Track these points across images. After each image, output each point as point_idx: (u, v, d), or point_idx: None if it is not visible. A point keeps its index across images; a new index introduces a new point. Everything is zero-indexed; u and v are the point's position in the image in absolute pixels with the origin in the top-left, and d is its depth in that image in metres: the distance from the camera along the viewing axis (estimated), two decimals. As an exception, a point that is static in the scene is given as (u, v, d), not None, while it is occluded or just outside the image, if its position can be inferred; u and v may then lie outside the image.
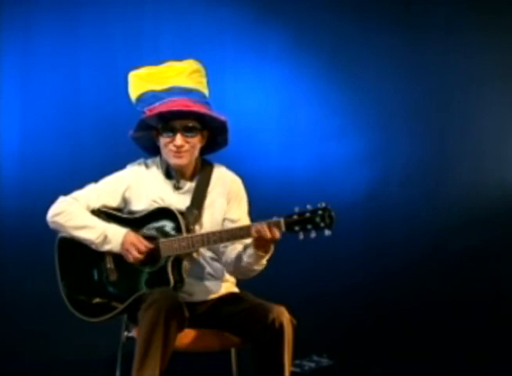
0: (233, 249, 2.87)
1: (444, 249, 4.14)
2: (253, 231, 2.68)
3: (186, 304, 2.76)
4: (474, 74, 4.16)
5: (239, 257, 2.83)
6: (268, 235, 2.66)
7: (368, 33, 4.19)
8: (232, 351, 3.03)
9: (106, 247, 2.84)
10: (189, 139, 2.86)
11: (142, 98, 2.95)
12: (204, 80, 2.99)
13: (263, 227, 2.66)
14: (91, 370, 3.87)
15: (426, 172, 4.20)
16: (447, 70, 4.17)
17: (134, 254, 2.80)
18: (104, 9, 4.16)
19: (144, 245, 2.80)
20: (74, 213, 2.87)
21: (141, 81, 2.98)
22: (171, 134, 2.85)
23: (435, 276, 4.11)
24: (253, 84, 4.23)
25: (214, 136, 2.97)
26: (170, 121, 2.85)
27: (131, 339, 2.92)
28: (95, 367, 3.83)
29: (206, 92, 2.98)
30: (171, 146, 2.86)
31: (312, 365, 3.67)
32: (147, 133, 2.93)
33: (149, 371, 2.61)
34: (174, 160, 2.88)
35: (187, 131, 2.85)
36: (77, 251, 2.93)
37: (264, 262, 2.80)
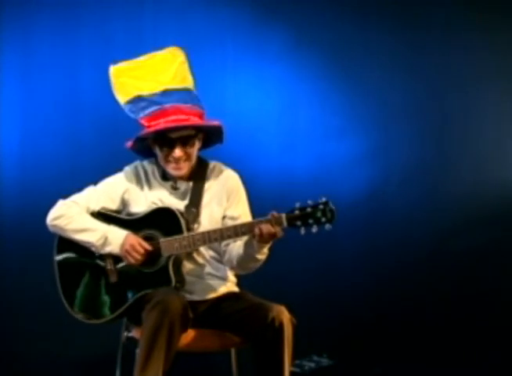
0: (235, 246, 2.87)
1: (444, 249, 4.14)
2: (256, 229, 2.68)
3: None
4: (474, 74, 4.15)
5: (241, 250, 2.83)
6: (272, 232, 2.66)
7: (368, 33, 4.19)
8: (232, 351, 3.04)
9: (107, 249, 2.84)
10: (187, 150, 2.87)
11: (132, 102, 2.94)
12: (187, 69, 2.97)
13: (267, 226, 2.67)
14: (91, 370, 3.87)
15: (426, 172, 4.19)
16: (447, 69, 4.17)
17: (133, 256, 2.80)
18: (104, 8, 4.15)
19: (143, 247, 2.80)
20: (74, 216, 2.88)
21: (126, 79, 2.96)
22: (169, 146, 2.85)
23: (435, 275, 4.10)
24: (253, 84, 4.23)
25: (209, 136, 2.97)
26: (166, 133, 2.84)
27: (131, 339, 2.93)
28: (95, 367, 3.83)
29: (191, 83, 2.97)
30: (169, 158, 2.87)
31: (312, 365, 3.67)
32: (143, 143, 2.94)
33: (152, 372, 2.61)
34: (174, 172, 2.90)
35: (185, 141, 2.86)
36: (75, 255, 2.93)
37: (265, 250, 2.80)
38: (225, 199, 2.95)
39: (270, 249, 2.81)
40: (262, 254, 2.81)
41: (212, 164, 3.03)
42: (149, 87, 2.94)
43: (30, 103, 4.19)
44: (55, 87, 4.17)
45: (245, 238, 2.81)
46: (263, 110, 4.23)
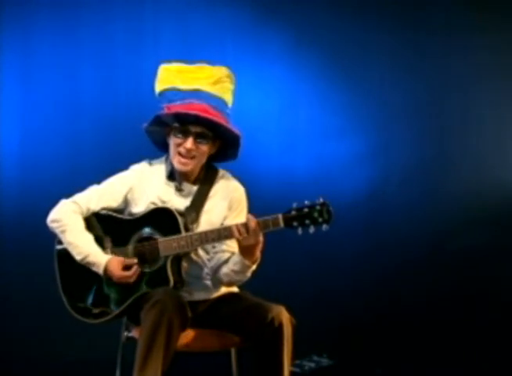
0: (222, 256, 2.88)
1: (444, 249, 4.15)
2: (235, 232, 2.69)
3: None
4: (474, 74, 4.16)
5: (224, 262, 2.86)
6: (252, 226, 2.67)
7: (368, 33, 4.19)
8: (232, 351, 3.03)
9: (93, 269, 2.85)
10: (200, 146, 2.87)
11: (165, 93, 2.95)
12: (231, 86, 2.97)
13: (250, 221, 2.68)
14: (91, 370, 3.87)
15: (426, 172, 4.20)
16: (447, 69, 4.18)
17: (127, 281, 2.81)
18: (104, 8, 4.16)
19: (129, 274, 2.80)
20: (69, 225, 2.88)
21: (169, 75, 2.97)
22: (183, 136, 2.85)
23: (435, 275, 4.11)
24: (253, 84, 4.22)
25: (225, 147, 2.97)
26: (185, 124, 2.85)
27: (131, 339, 2.92)
28: (95, 367, 3.82)
29: (229, 99, 2.96)
30: (180, 148, 2.86)
31: (312, 365, 3.68)
32: (161, 129, 2.93)
33: (151, 372, 2.60)
34: (178, 166, 2.89)
35: (199, 137, 2.86)
36: None
37: (248, 273, 2.82)
38: (226, 208, 2.95)
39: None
40: (243, 277, 2.82)
41: (221, 172, 3.02)
42: (188, 83, 2.94)
43: (30, 103, 4.19)
44: (55, 87, 4.17)
45: (232, 252, 2.82)
46: (263, 110, 4.23)
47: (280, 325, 2.72)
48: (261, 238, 2.71)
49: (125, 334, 2.97)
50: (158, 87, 2.98)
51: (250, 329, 2.76)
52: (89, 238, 2.88)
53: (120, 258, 2.84)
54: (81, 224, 2.90)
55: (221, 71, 2.96)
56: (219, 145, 2.95)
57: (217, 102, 2.91)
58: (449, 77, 4.18)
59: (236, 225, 2.72)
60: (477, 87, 4.15)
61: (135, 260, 2.83)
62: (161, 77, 2.98)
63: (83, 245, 2.86)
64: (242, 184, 3.03)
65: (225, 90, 2.95)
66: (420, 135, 4.21)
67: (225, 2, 4.20)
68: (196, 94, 2.90)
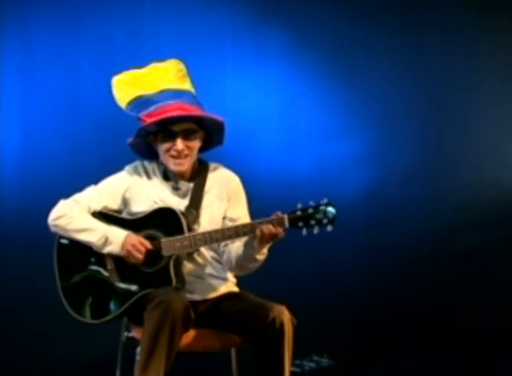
0: (234, 246, 2.88)
1: (444, 249, 4.15)
2: (257, 230, 2.69)
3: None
4: (473, 74, 4.16)
5: (240, 251, 2.84)
6: (274, 232, 2.67)
7: (368, 33, 4.19)
8: (233, 351, 3.03)
9: (107, 249, 2.84)
10: (190, 143, 2.87)
11: (134, 103, 2.95)
12: (188, 79, 3.00)
13: (268, 227, 2.68)
14: (91, 370, 3.87)
15: (426, 172, 4.20)
16: (447, 69, 4.18)
17: (135, 256, 2.80)
18: (104, 8, 4.16)
19: (144, 246, 2.80)
20: (76, 216, 2.88)
21: (127, 86, 2.98)
22: (171, 139, 2.85)
23: (435, 276, 4.11)
24: (253, 84, 4.23)
25: (209, 136, 2.97)
26: (169, 126, 2.85)
27: (131, 339, 2.92)
28: (95, 367, 3.83)
29: (193, 91, 2.99)
30: (171, 152, 2.87)
31: (312, 365, 3.68)
32: (144, 139, 2.93)
33: (153, 372, 2.60)
34: (175, 168, 2.89)
35: (187, 134, 2.86)
36: (76, 255, 2.93)
37: (265, 250, 2.80)
38: (225, 200, 2.96)
39: (270, 250, 2.82)
40: (262, 255, 2.81)
41: (213, 165, 3.03)
42: (150, 88, 2.95)
43: (30, 103, 4.19)
44: (55, 87, 4.17)
45: (244, 238, 2.81)
46: (263, 110, 4.23)
47: (281, 325, 2.72)
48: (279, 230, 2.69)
49: (125, 334, 2.97)
50: (122, 101, 2.98)
51: (251, 329, 2.76)
52: (99, 222, 2.88)
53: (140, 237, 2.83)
54: (87, 214, 2.90)
55: (174, 65, 2.99)
56: (204, 136, 2.95)
57: (186, 95, 2.93)
58: (449, 77, 4.18)
59: (240, 226, 2.75)
60: (477, 87, 4.16)
61: (152, 247, 2.81)
62: (120, 90, 2.99)
63: (98, 226, 2.86)
64: (237, 175, 3.03)
65: (185, 81, 2.98)
66: (420, 135, 4.21)
67: (225, 2, 4.20)
68: (165, 94, 2.92)
